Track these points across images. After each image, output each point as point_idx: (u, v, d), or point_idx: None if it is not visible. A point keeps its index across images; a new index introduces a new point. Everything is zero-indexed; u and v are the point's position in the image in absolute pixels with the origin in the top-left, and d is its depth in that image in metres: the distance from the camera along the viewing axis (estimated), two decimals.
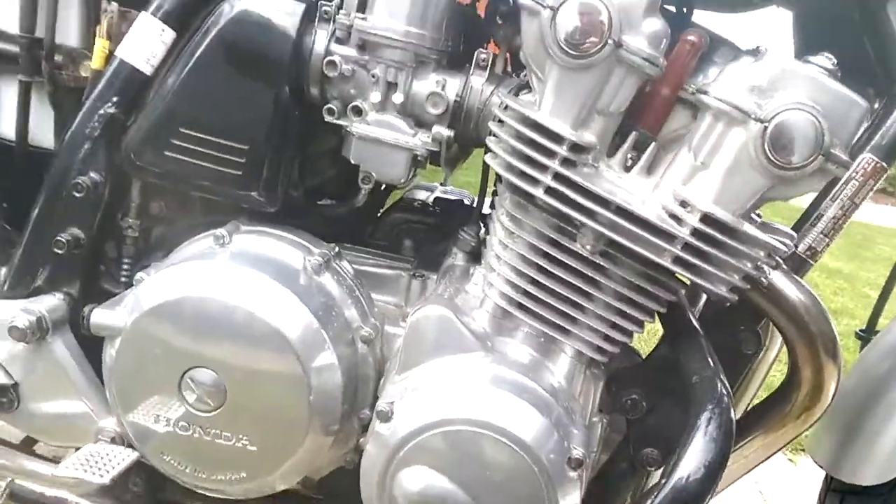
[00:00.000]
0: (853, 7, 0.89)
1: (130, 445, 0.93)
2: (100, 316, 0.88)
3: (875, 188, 0.92)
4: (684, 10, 0.92)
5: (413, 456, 0.79)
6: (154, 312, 0.86)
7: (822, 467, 1.07)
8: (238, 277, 0.87)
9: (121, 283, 0.99)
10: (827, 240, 0.90)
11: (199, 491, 0.95)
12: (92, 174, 0.92)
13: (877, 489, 1.00)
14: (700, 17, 0.96)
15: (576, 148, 0.74)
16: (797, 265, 0.89)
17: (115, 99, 0.91)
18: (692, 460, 0.70)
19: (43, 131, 0.99)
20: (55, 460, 1.02)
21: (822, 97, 0.71)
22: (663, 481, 0.71)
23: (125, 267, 0.99)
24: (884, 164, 0.88)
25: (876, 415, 1.00)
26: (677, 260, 0.74)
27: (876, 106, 0.94)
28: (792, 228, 0.91)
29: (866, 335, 1.15)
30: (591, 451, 0.86)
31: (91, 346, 0.97)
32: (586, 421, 0.84)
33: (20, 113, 0.97)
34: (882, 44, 0.88)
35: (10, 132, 0.99)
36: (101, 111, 0.90)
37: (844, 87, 0.73)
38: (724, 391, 0.74)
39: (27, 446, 1.09)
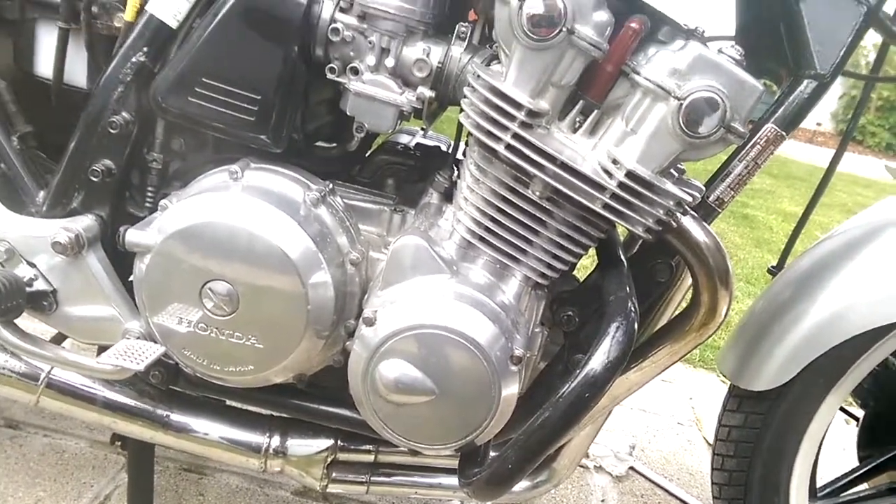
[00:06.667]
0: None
1: (155, 343, 1.04)
2: (133, 235, 0.99)
3: (774, 153, 1.10)
4: None
5: (391, 352, 0.93)
6: (180, 234, 0.97)
7: (725, 376, 1.25)
8: (249, 207, 0.98)
9: (144, 207, 1.10)
10: (732, 192, 1.05)
11: (211, 381, 1.07)
12: (124, 113, 1.03)
13: (768, 393, 1.18)
14: None
15: (532, 114, 0.88)
16: (707, 212, 1.04)
17: (144, 49, 1.01)
18: (600, 357, 0.86)
19: (76, 72, 1.09)
20: None
21: (727, 82, 0.85)
22: (578, 371, 0.87)
23: (149, 194, 1.10)
24: (783, 132, 1.02)
25: (772, 334, 1.16)
26: (606, 206, 0.89)
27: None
28: (706, 183, 1.06)
29: (777, 270, 1.30)
30: (531, 353, 1.02)
31: (117, 260, 1.09)
32: (529, 330, 1.00)
33: (58, 56, 1.07)
34: (794, 33, 1.02)
35: (47, 72, 1.09)
36: (133, 59, 1.01)
37: (747, 74, 0.86)
38: (632, 308, 0.89)
39: (56, 343, 1.21)
